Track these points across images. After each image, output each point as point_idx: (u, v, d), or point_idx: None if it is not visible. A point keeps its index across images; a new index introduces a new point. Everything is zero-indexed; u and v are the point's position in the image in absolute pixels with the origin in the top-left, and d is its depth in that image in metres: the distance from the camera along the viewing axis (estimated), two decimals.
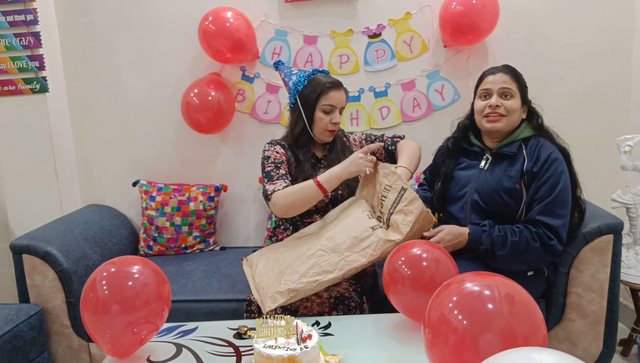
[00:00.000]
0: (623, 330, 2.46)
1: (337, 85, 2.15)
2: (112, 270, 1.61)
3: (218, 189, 2.86)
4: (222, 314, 2.21)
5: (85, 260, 2.38)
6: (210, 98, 2.67)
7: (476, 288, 1.22)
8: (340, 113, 2.18)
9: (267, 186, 2.08)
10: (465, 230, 2.00)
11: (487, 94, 2.04)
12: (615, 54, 2.71)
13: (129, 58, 2.89)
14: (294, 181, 2.12)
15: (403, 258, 1.70)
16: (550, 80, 2.75)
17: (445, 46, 2.76)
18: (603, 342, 2.12)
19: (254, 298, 2.18)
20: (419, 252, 1.71)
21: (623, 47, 2.70)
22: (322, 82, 2.15)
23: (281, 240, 2.31)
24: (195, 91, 2.70)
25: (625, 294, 2.59)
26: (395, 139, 2.33)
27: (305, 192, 2.02)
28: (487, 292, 1.21)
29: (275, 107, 2.87)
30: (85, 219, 2.64)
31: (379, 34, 2.79)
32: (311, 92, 2.15)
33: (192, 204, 2.79)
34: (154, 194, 2.82)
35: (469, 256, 2.01)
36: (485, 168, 2.07)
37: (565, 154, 2.02)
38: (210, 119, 2.71)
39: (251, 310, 2.17)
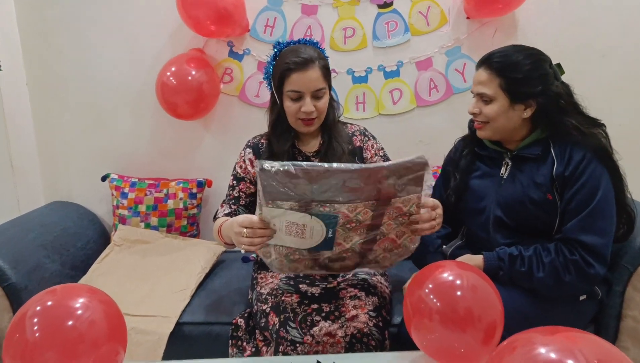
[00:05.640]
0: None
1: (301, 65, 1.70)
2: (49, 303, 1.25)
3: (201, 185, 2.51)
4: (202, 340, 1.86)
5: (39, 271, 2.02)
6: (190, 78, 2.32)
7: (553, 355, 0.85)
8: (319, 97, 1.74)
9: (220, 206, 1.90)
10: (479, 261, 1.66)
11: (474, 94, 1.70)
12: None
13: (98, 31, 2.52)
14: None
15: (431, 286, 1.34)
16: (591, 59, 2.43)
17: (468, 18, 2.42)
18: None
19: (240, 322, 1.82)
20: (450, 278, 1.34)
21: None
22: (285, 62, 1.72)
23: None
24: (173, 69, 2.34)
25: None
26: None
27: (215, 233, 1.75)
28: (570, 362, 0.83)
29: (267, 89, 2.50)
30: (45, 221, 2.28)
31: (390, 3, 2.44)
32: (276, 75, 1.77)
33: (170, 202, 2.44)
34: (126, 190, 2.45)
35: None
36: (506, 176, 1.70)
37: (599, 149, 1.60)
38: (189, 102, 2.36)
39: (237, 336, 1.82)
